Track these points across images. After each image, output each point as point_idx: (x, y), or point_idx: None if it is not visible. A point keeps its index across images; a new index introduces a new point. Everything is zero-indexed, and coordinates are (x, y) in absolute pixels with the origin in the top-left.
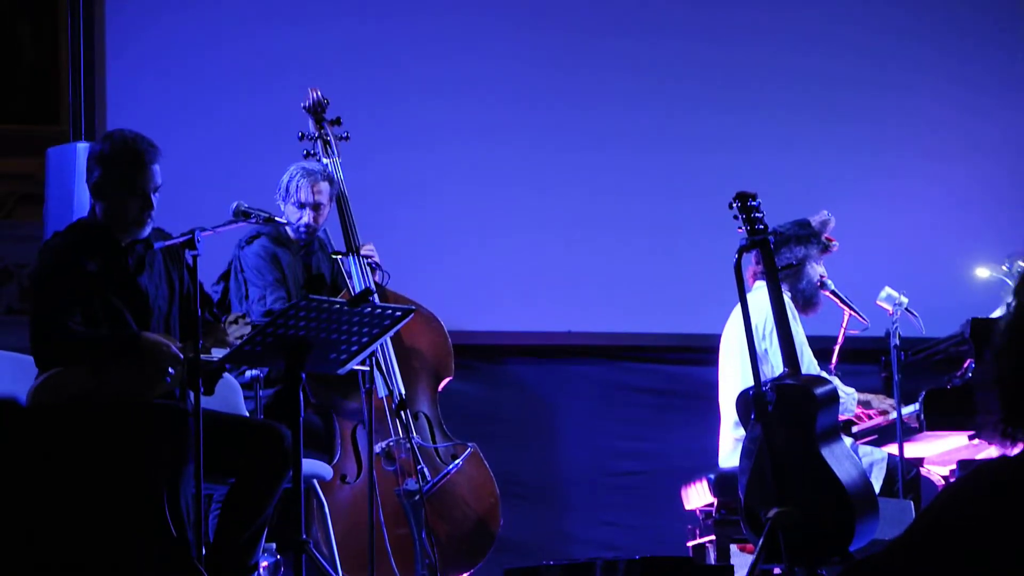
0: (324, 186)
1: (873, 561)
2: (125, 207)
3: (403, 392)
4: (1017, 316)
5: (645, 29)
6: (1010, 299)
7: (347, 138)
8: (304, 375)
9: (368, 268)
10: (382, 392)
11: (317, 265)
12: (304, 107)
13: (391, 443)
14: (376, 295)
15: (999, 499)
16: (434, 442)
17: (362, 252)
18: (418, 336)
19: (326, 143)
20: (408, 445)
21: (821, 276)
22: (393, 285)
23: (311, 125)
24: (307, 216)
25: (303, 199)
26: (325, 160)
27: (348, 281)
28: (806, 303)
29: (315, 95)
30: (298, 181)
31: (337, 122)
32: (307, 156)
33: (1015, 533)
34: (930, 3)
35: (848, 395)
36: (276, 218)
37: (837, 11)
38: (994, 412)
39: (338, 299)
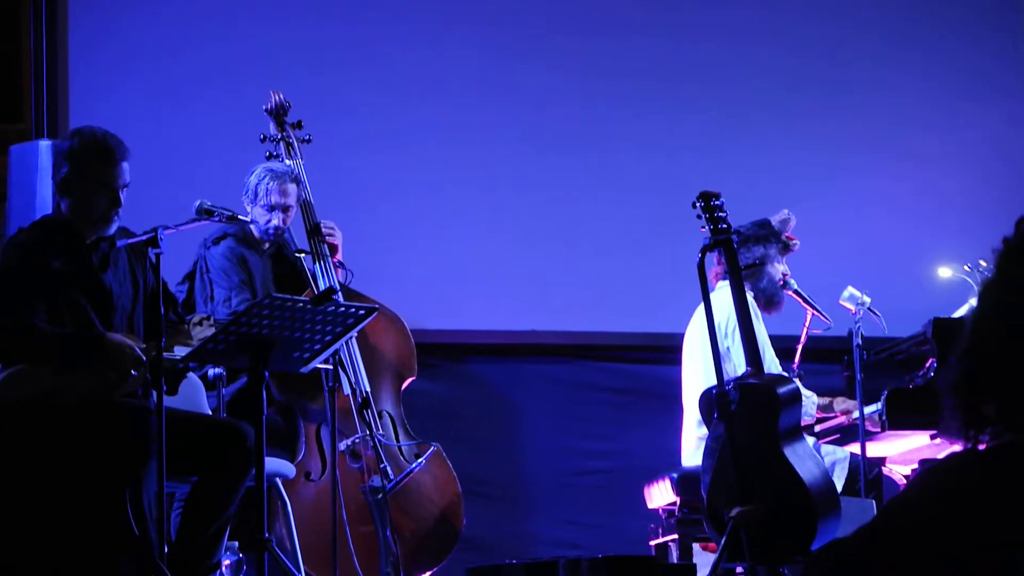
0: (292, 188)
1: (840, 547)
2: (93, 203)
3: (367, 390)
4: (979, 319)
5: (611, 28)
6: (973, 302)
7: (309, 140)
8: (267, 373)
9: (332, 267)
10: (346, 390)
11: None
12: (266, 109)
13: (356, 440)
14: (339, 294)
15: (978, 483)
16: (397, 441)
17: (323, 229)
18: (381, 336)
19: (288, 145)
20: (372, 443)
21: (784, 275)
22: (356, 284)
23: (272, 127)
24: (276, 219)
25: (273, 202)
26: (289, 161)
27: (311, 280)
28: (768, 302)
29: (277, 98)
30: (267, 184)
31: (298, 125)
32: (270, 157)
33: (981, 523)
34: (901, 2)
35: (807, 399)
36: (239, 216)
37: (804, 10)
38: (956, 416)
39: (301, 298)
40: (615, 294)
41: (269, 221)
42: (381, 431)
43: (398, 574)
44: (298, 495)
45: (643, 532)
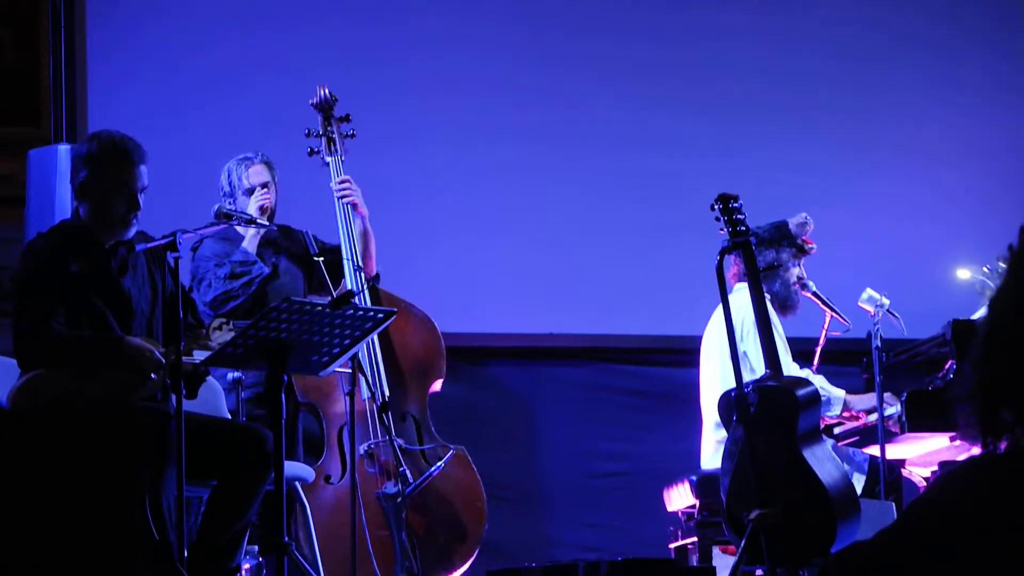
0: (260, 167)
1: (861, 550)
2: (111, 207)
3: (386, 394)
4: (991, 328)
5: (629, 31)
6: (985, 310)
7: (353, 135)
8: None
9: (356, 271)
10: (364, 394)
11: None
12: (312, 104)
13: (371, 445)
14: (366, 295)
15: (999, 485)
16: (420, 444)
17: (337, 187)
18: (409, 336)
19: (330, 140)
20: (392, 448)
21: (800, 278)
22: (382, 284)
23: (319, 122)
24: (259, 197)
25: (247, 184)
26: (328, 158)
27: (329, 282)
28: (782, 305)
29: (323, 92)
30: (236, 172)
31: (346, 119)
32: (312, 154)
33: (1003, 526)
34: (916, 2)
35: (837, 398)
36: (258, 220)
37: (819, 11)
38: (973, 423)
39: (320, 300)
40: (634, 297)
41: (257, 203)
42: (399, 436)
43: None
44: (317, 498)
45: (662, 535)
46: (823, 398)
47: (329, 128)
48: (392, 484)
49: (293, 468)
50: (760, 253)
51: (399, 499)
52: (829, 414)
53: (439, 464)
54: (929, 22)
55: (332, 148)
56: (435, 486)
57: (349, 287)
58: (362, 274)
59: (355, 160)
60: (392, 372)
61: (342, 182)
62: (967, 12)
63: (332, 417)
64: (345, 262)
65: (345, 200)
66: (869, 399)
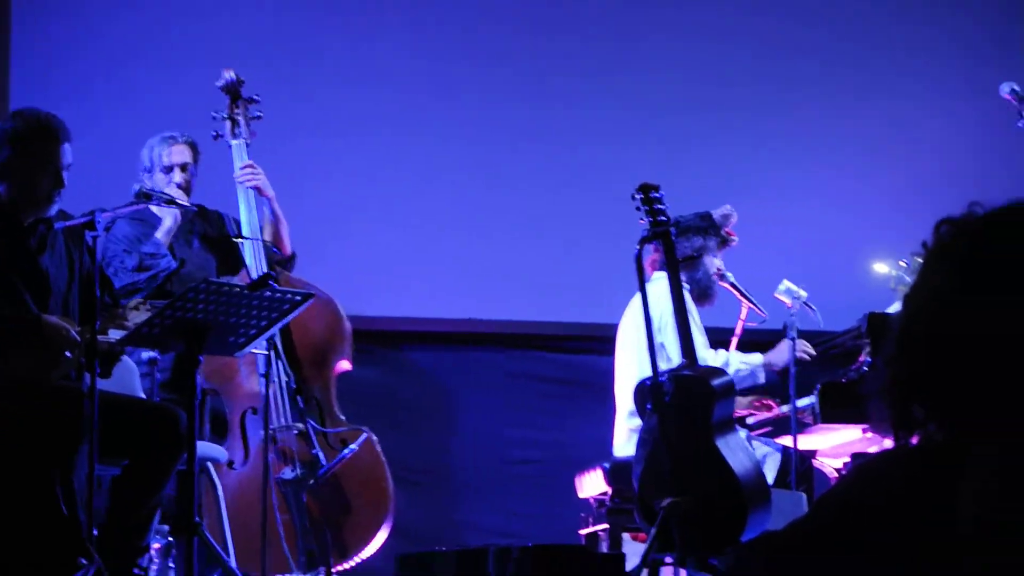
0: (181, 147)
1: (772, 540)
2: (37, 185)
3: (293, 377)
4: (905, 325)
5: (551, 25)
6: (898, 306)
7: (260, 117)
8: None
9: (264, 250)
10: (273, 376)
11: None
12: (219, 86)
13: (272, 429)
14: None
15: (912, 480)
16: (324, 427)
17: (243, 170)
18: (313, 319)
19: (234, 123)
20: (294, 432)
21: (719, 268)
22: (295, 267)
23: (226, 105)
24: (177, 176)
25: (167, 162)
26: (232, 141)
27: (247, 265)
28: (701, 294)
29: (229, 75)
30: (158, 149)
31: (252, 101)
32: (216, 137)
33: (928, 512)
34: None
35: (758, 366)
36: (178, 200)
37: (739, 6)
38: (886, 418)
39: (238, 283)
40: (553, 284)
41: (171, 182)
42: (297, 421)
43: (322, 562)
44: (222, 483)
45: (577, 521)
46: (748, 371)
47: (236, 111)
48: (290, 469)
49: (206, 448)
50: (688, 240)
51: (309, 482)
52: (758, 383)
53: (352, 447)
54: (853, 16)
55: (236, 131)
56: (339, 469)
57: (253, 270)
58: (264, 257)
59: (275, 143)
60: (293, 355)
61: (244, 167)
62: (892, 6)
63: (235, 402)
64: (246, 244)
65: (248, 185)
66: (784, 349)
